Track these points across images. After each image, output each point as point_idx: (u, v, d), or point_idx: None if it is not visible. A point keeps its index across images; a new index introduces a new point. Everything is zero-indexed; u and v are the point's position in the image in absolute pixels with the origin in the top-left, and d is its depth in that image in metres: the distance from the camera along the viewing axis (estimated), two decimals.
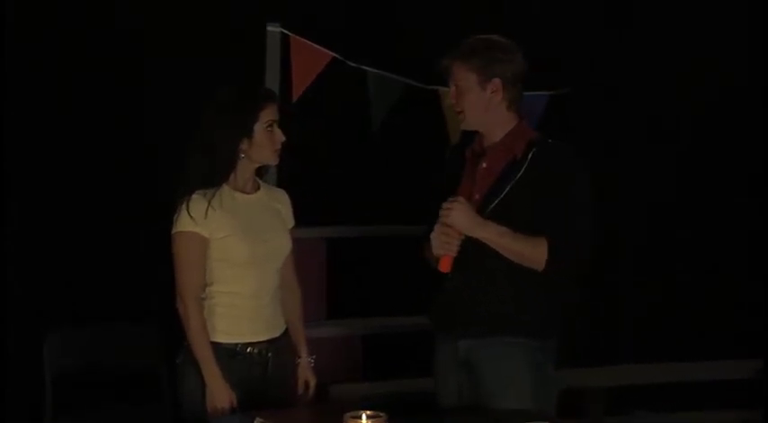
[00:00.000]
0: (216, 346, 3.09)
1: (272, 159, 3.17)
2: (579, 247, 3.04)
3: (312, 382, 3.37)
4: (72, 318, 4.39)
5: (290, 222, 3.32)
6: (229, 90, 3.13)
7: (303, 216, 3.45)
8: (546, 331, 3.12)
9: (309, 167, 4.93)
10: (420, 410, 3.01)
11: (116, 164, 4.68)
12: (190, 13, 4.80)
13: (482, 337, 3.09)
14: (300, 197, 3.45)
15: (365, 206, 5.08)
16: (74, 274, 4.60)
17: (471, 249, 3.03)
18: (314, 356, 3.38)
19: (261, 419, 2.73)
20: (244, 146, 3.10)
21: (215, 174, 3.10)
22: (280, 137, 3.13)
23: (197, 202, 3.07)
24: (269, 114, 3.12)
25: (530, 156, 3.08)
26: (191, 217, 3.06)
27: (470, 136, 3.23)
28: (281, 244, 3.23)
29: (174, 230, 3.10)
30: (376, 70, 4.73)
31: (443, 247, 3.04)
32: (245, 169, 3.16)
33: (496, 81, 3.09)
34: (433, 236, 3.06)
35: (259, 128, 3.10)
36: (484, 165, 3.14)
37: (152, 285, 4.08)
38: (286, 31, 4.55)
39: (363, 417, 2.56)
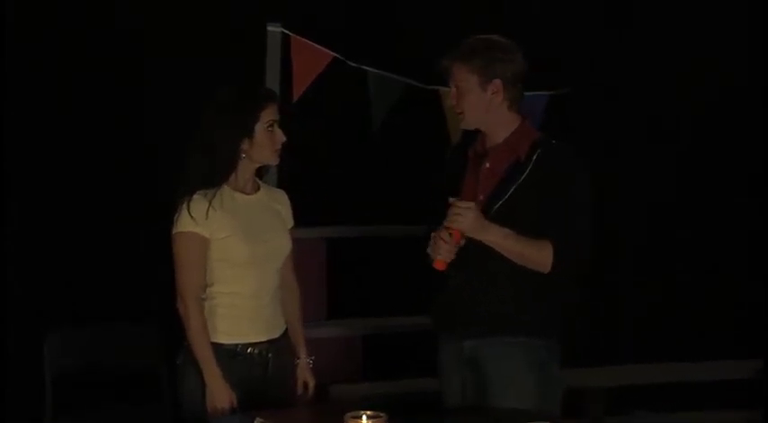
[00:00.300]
0: (216, 347, 3.09)
1: (272, 159, 3.17)
2: (581, 248, 3.05)
3: (311, 383, 3.37)
4: (72, 318, 4.39)
5: (290, 223, 3.32)
6: (230, 90, 3.13)
7: (303, 216, 3.45)
8: (546, 331, 3.11)
9: (309, 167, 4.93)
10: (420, 410, 3.01)
11: (116, 164, 4.68)
12: (190, 13, 4.80)
13: (483, 336, 3.10)
14: (300, 197, 3.45)
15: (365, 206, 5.08)
16: (74, 274, 4.61)
17: (473, 250, 3.03)
18: (313, 357, 3.38)
19: (261, 420, 2.72)
20: (245, 146, 3.10)
21: (215, 174, 3.10)
22: (280, 137, 3.13)
23: (198, 202, 3.06)
24: (270, 114, 3.12)
25: (534, 157, 3.07)
26: (191, 217, 3.05)
27: (472, 136, 3.23)
28: (281, 244, 3.23)
29: (174, 231, 3.10)
30: (376, 70, 4.73)
31: (440, 253, 3.03)
32: (245, 169, 3.16)
33: (497, 82, 3.09)
34: (433, 237, 3.06)
35: (260, 128, 3.10)
36: (487, 165, 3.13)
37: (152, 285, 4.08)
38: (287, 31, 4.55)
39: (363, 417, 2.56)
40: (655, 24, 5.24)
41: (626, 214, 5.28)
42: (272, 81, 4.50)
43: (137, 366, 4.02)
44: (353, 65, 4.67)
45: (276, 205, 3.28)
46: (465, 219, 2.97)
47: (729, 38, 5.21)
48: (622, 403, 4.99)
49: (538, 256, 3.01)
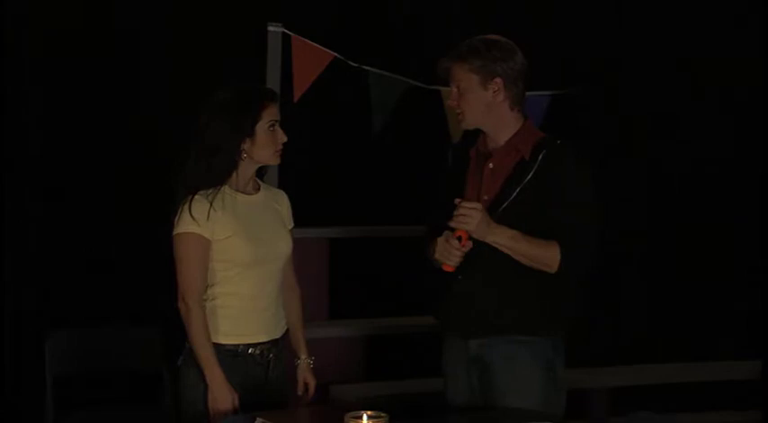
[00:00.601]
0: (218, 347, 3.09)
1: (273, 160, 3.16)
2: (588, 248, 3.04)
3: (312, 383, 3.36)
4: (73, 318, 4.38)
5: (290, 223, 3.31)
6: (231, 90, 3.12)
7: (305, 216, 3.45)
8: (552, 331, 3.12)
9: (311, 167, 4.93)
10: (422, 411, 3.01)
11: (116, 164, 4.68)
12: (190, 13, 4.80)
13: (489, 336, 3.10)
14: (302, 197, 3.45)
15: (367, 206, 5.08)
16: (74, 274, 4.60)
17: (479, 250, 3.02)
18: (313, 358, 3.38)
19: (262, 420, 2.73)
20: (245, 146, 3.09)
21: (216, 174, 3.09)
22: (281, 137, 3.13)
23: (199, 203, 3.06)
24: (271, 114, 3.11)
25: (540, 157, 3.06)
26: (192, 218, 3.05)
27: (473, 135, 3.22)
28: (282, 245, 3.22)
29: (175, 231, 3.09)
30: (377, 70, 4.73)
31: (447, 258, 3.03)
32: (246, 170, 3.15)
33: (498, 81, 3.08)
34: (440, 241, 3.05)
35: (261, 128, 3.09)
36: (490, 165, 3.12)
37: (153, 286, 4.08)
38: (287, 31, 4.56)
39: (364, 417, 2.57)
40: (655, 24, 5.24)
41: (626, 214, 5.28)
42: (273, 81, 4.50)
43: (138, 367, 4.02)
44: (354, 65, 4.68)
45: (276, 206, 3.27)
46: (472, 220, 2.97)
47: (730, 37, 5.22)
48: (623, 404, 4.98)
49: (544, 256, 3.01)
